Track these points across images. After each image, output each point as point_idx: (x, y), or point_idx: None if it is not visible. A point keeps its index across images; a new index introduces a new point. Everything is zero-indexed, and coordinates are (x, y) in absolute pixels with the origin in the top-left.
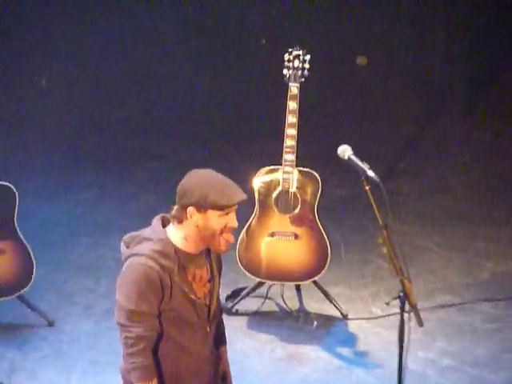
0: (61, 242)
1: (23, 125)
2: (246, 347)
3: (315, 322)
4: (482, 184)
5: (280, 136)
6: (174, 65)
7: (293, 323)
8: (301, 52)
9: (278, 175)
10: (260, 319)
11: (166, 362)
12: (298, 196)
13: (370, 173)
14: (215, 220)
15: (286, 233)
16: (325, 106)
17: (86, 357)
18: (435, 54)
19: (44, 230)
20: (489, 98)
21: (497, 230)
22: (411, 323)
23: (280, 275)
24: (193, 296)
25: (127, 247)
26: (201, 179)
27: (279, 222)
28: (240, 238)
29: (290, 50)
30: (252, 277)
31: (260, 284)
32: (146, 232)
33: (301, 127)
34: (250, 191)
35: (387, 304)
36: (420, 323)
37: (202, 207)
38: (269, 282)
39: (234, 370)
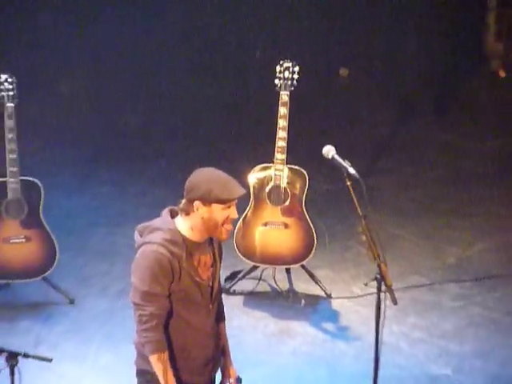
0: (80, 230)
1: (47, 128)
2: (242, 323)
3: (303, 301)
4: (448, 180)
5: (272, 138)
6: (180, 76)
7: (283, 302)
8: (291, 64)
9: (271, 172)
10: (254, 298)
11: (174, 336)
12: (288, 190)
13: (351, 170)
14: (218, 212)
15: (278, 223)
16: (312, 111)
17: (102, 331)
18: (407, 67)
19: (66, 220)
20: (453, 104)
21: (461, 220)
22: (387, 301)
23: (272, 260)
24: (198, 279)
25: (140, 236)
26: (206, 176)
27: (271, 213)
28: (237, 228)
29: (281, 62)
30: (247, 261)
31: (254, 267)
32: (156, 222)
33: (290, 130)
34: (245, 186)
35: (366, 285)
36: (394, 301)
37: (207, 201)
38: (262, 266)
39: (231, 343)
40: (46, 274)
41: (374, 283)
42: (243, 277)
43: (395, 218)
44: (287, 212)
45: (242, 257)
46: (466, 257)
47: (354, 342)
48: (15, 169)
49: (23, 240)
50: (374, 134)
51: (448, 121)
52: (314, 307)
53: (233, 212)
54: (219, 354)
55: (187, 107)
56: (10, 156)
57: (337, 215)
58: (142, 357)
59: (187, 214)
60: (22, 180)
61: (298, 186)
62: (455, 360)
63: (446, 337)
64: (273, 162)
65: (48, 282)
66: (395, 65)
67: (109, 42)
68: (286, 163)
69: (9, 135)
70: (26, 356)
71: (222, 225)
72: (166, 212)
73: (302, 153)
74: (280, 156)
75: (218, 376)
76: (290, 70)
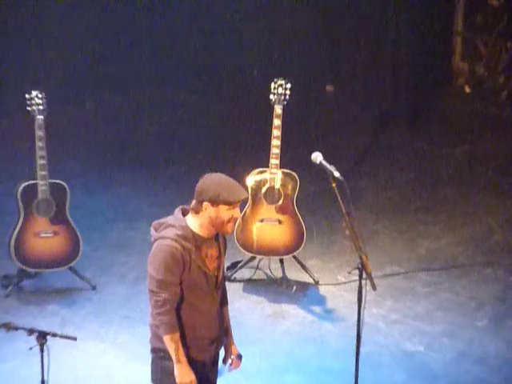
0: (101, 226)
1: (72, 138)
2: (241, 306)
3: (294, 287)
4: (419, 182)
5: (267, 145)
6: (188, 93)
7: (277, 288)
8: (283, 81)
9: (266, 175)
10: (252, 285)
11: (184, 318)
12: (282, 191)
13: (336, 173)
14: (224, 212)
15: (272, 219)
16: (302, 122)
17: (121, 313)
18: (384, 84)
19: (89, 217)
20: (425, 116)
21: (431, 216)
22: (367, 287)
23: (267, 251)
24: (205, 269)
25: (156, 231)
26: (214, 181)
27: (267, 211)
28: (237, 223)
29: (275, 79)
30: (246, 253)
31: (252, 258)
32: (170, 220)
33: (283, 139)
34: (244, 187)
35: (349, 273)
36: (374, 287)
37: (214, 203)
38: (259, 257)
39: (232, 323)
40: (72, 264)
41: (356, 271)
42: (242, 266)
43: (374, 215)
44: (281, 210)
45: (241, 249)
46: (435, 249)
47: (339, 322)
48: (44, 173)
49: (51, 234)
50: (355, 142)
51: (420, 130)
52: (304, 292)
53: (236, 212)
54: (223, 334)
55: (194, 121)
56: (40, 161)
57: (324, 213)
58: (156, 336)
59: (197, 212)
60: (50, 182)
61: (290, 187)
62: (426, 338)
63: (418, 318)
64: (268, 167)
65: (73, 270)
66: (374, 82)
67: (127, 57)
68: (280, 167)
69: (39, 143)
70: (53, 335)
71: (227, 223)
72: (178, 210)
73: (293, 158)
74: (274, 161)
75: (222, 352)
76: (283, 86)
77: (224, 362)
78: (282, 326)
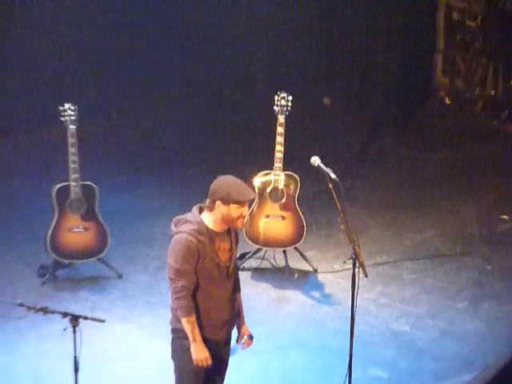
0: (127, 222)
1: (100, 145)
2: (249, 292)
3: (296, 275)
4: (407, 183)
5: (272, 150)
6: (199, 103)
7: (281, 275)
8: (285, 94)
9: (271, 177)
10: (259, 273)
11: (200, 303)
12: (284, 191)
13: (332, 175)
14: (234, 210)
15: (277, 215)
16: (302, 130)
17: (144, 298)
18: (374, 95)
19: (116, 214)
20: (411, 124)
21: (416, 212)
22: (360, 275)
23: (272, 243)
24: (218, 260)
25: (175, 226)
26: (226, 182)
27: (272, 208)
28: (245, 219)
29: (278, 92)
30: (253, 245)
31: (259, 249)
32: (188, 216)
33: (286, 144)
34: (252, 187)
35: (344, 262)
36: (365, 275)
37: (226, 202)
38: (265, 248)
39: (243, 307)
40: (100, 255)
41: (350, 261)
42: (250, 257)
43: (366, 212)
44: (284, 207)
45: (249, 241)
46: (419, 240)
47: (335, 305)
48: (76, 175)
49: (82, 230)
50: (349, 147)
51: (407, 137)
52: (304, 280)
53: (245, 210)
54: (235, 317)
55: (208, 130)
56: (72, 165)
57: (322, 210)
58: (175, 318)
59: (211, 210)
60: (81, 184)
61: (292, 187)
62: (412, 319)
63: (405, 301)
64: (272, 169)
65: (102, 261)
66: (366, 95)
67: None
68: (283, 170)
69: (71, 149)
70: (85, 318)
71: (237, 219)
72: (195, 208)
73: (294, 162)
74: (278, 164)
75: (234, 334)
76: (285, 98)
77: (237, 341)
78: (285, 309)
